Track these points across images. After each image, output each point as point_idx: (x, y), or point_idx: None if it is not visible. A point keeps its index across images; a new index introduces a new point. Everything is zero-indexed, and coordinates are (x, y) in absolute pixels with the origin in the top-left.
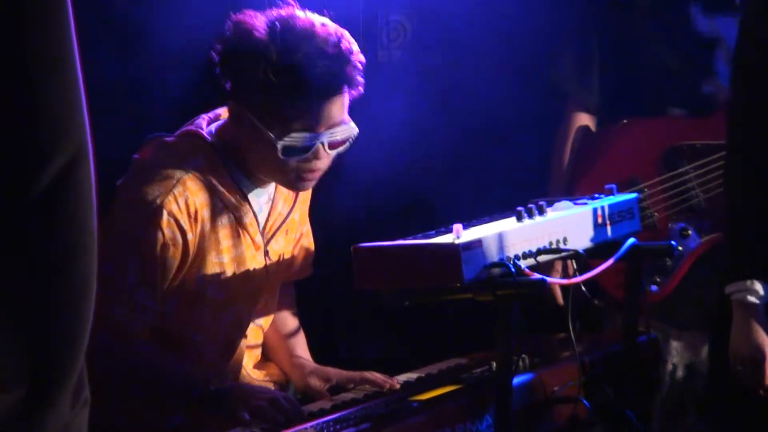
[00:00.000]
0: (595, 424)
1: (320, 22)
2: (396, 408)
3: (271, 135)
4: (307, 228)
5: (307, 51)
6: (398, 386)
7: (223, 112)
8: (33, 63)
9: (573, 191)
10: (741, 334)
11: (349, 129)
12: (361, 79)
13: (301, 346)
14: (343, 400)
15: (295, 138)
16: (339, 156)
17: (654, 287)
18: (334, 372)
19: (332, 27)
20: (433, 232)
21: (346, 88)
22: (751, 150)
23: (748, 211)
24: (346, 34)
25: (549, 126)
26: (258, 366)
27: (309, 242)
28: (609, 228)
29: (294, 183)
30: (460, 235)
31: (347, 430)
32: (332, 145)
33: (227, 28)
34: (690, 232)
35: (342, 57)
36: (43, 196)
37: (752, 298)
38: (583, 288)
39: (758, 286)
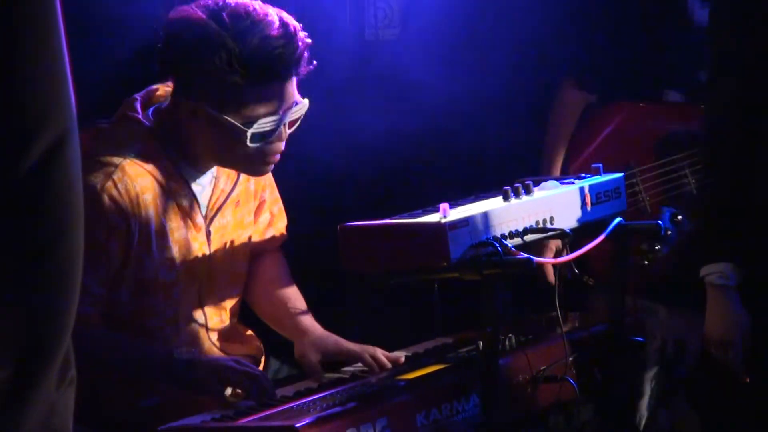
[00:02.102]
0: (582, 403)
1: (252, 4)
2: (383, 387)
3: (239, 125)
4: (272, 193)
5: (261, 35)
6: (390, 366)
7: (155, 89)
8: (18, 41)
9: (566, 172)
10: (714, 316)
11: (303, 106)
12: (308, 55)
13: (303, 311)
14: (330, 379)
15: (263, 124)
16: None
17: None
18: (334, 345)
19: (266, 7)
20: (419, 211)
21: (294, 72)
22: (729, 134)
23: (722, 194)
24: (283, 12)
25: (541, 106)
26: (231, 342)
27: (278, 207)
28: (595, 207)
29: (259, 168)
30: (447, 214)
31: (334, 410)
32: (291, 124)
33: (168, 27)
34: (680, 217)
35: (291, 36)
36: (30, 174)
37: (723, 281)
38: (574, 267)
39: (730, 269)
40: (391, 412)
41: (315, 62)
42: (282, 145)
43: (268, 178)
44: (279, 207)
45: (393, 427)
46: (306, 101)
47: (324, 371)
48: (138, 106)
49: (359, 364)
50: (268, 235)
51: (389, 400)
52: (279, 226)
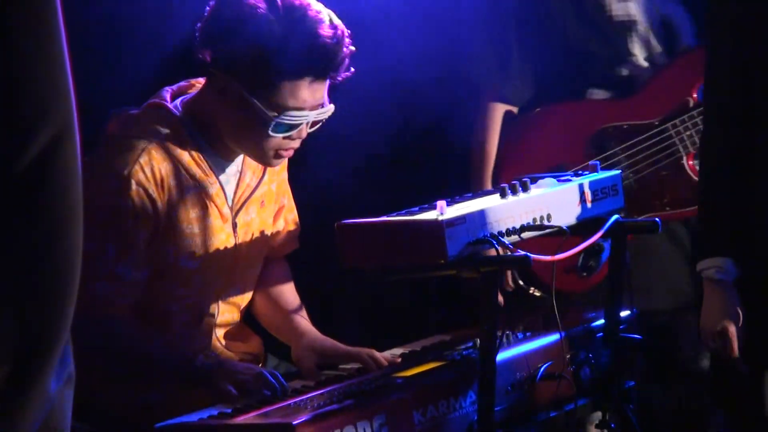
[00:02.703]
0: (580, 400)
1: (309, 1)
2: (380, 385)
3: (266, 111)
4: (288, 201)
5: (310, 31)
6: (386, 365)
7: (187, 84)
8: (16, 36)
9: (498, 183)
10: (711, 310)
11: (329, 110)
12: (348, 62)
13: (301, 315)
14: (328, 377)
15: (289, 116)
16: (325, 132)
17: (585, 273)
18: (331, 347)
19: (322, 7)
20: (416, 208)
21: (334, 74)
22: (728, 129)
23: (718, 188)
24: (334, 14)
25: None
26: (234, 340)
27: (293, 216)
28: (593, 204)
29: (270, 159)
30: (444, 211)
31: (331, 407)
32: (314, 124)
33: (219, 1)
34: (623, 214)
35: (338, 39)
36: (29, 171)
37: (721, 275)
38: (521, 281)
39: (727, 263)
40: (389, 410)
41: (353, 69)
42: (298, 143)
43: (286, 186)
44: (294, 216)
45: (390, 425)
46: (332, 106)
47: (320, 371)
48: (167, 95)
49: (356, 363)
50: (281, 242)
51: (386, 397)
52: (293, 234)
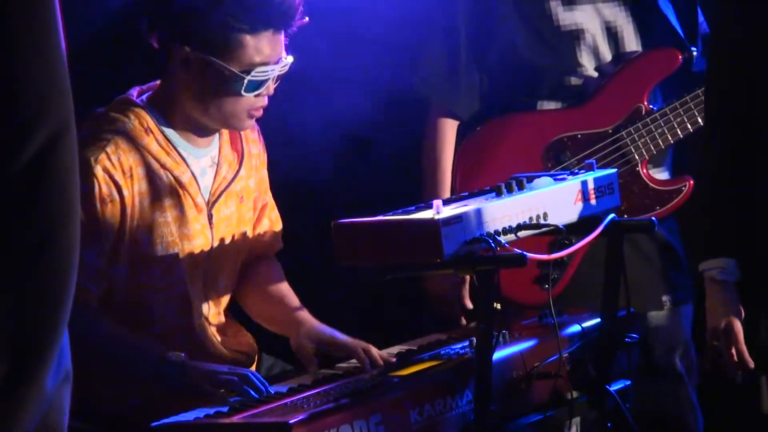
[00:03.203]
0: (576, 399)
1: None
2: (376, 384)
3: (236, 72)
4: (270, 200)
5: None
6: (382, 363)
7: (156, 85)
8: (14, 34)
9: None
10: (715, 309)
11: (290, 60)
12: (302, 10)
13: (300, 307)
14: (324, 376)
15: (259, 72)
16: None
17: (547, 285)
18: (329, 336)
19: None
20: (413, 207)
21: (291, 23)
22: (728, 129)
23: (720, 188)
24: None
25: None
26: (227, 337)
27: (276, 214)
28: (589, 203)
29: (244, 121)
30: (440, 210)
31: (327, 406)
32: (276, 79)
33: None
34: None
35: None
36: (27, 169)
37: (724, 276)
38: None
39: (730, 264)
40: (385, 409)
41: (307, 18)
42: (266, 101)
43: (267, 184)
44: (276, 214)
45: (386, 424)
46: (291, 58)
47: (318, 366)
48: (134, 92)
49: (353, 361)
50: (268, 241)
51: (383, 396)
52: (276, 232)
